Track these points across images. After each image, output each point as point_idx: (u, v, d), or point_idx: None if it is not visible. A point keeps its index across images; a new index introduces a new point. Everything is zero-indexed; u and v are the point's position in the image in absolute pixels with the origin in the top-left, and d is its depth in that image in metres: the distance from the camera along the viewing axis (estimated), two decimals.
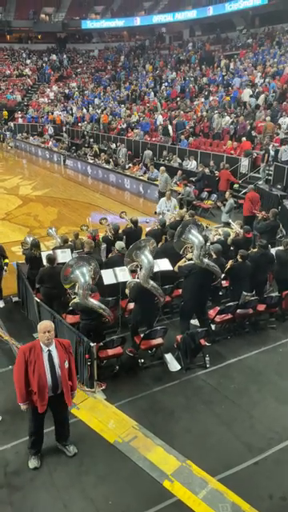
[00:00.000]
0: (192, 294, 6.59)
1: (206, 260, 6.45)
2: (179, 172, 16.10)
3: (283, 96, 18.31)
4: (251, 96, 19.28)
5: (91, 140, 24.87)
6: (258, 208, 11.42)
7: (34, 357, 4.34)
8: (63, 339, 4.99)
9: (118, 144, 22.44)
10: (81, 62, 39.34)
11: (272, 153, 14.31)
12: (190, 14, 31.92)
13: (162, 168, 14.56)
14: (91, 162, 21.48)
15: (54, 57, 39.31)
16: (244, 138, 16.18)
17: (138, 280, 6.42)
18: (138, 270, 6.50)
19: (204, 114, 19.99)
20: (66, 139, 26.48)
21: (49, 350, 4.41)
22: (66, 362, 4.50)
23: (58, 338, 6.14)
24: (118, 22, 37.18)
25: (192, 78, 25.40)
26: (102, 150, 22.76)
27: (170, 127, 19.78)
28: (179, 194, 14.21)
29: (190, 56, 29.24)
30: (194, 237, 6.48)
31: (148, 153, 19.49)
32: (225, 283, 7.78)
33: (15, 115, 32.93)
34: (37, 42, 40.97)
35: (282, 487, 4.42)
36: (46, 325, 4.43)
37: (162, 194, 13.74)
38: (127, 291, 6.73)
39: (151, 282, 6.29)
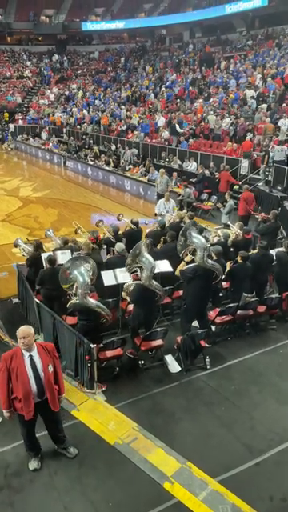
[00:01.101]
0: (194, 296, 6.58)
1: (210, 261, 6.46)
2: (174, 174, 16.07)
3: (283, 98, 18.35)
4: (252, 97, 19.31)
5: (91, 141, 24.87)
6: (252, 208, 11.47)
7: (16, 363, 4.28)
8: (47, 343, 4.93)
9: (118, 145, 22.47)
10: (81, 63, 39.41)
11: (272, 154, 14.32)
12: (190, 16, 32.00)
13: (162, 170, 14.52)
14: (91, 163, 21.49)
15: (55, 57, 39.34)
16: (248, 138, 16.19)
17: (138, 282, 6.43)
18: (139, 271, 6.51)
19: (205, 115, 20.00)
20: (72, 142, 25.82)
21: (30, 356, 4.35)
22: (50, 366, 4.42)
23: (58, 339, 6.21)
24: (119, 24, 37.22)
25: (194, 79, 25.43)
26: (102, 151, 22.79)
27: (177, 126, 19.77)
28: (179, 195, 14.22)
29: (189, 59, 29.29)
30: (196, 239, 6.48)
31: (133, 151, 20.57)
32: (225, 285, 7.78)
33: (15, 117, 33.00)
34: (37, 44, 41.04)
35: (283, 488, 4.41)
36: (22, 331, 4.35)
37: (161, 196, 13.72)
38: (124, 294, 6.71)
39: (154, 282, 6.30)
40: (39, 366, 4.37)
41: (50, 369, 4.43)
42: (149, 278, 6.22)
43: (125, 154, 20.80)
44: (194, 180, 15.30)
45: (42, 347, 4.47)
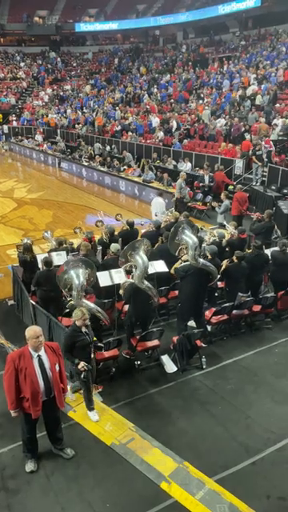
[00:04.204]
0: (189, 295, 6.60)
1: (201, 260, 6.47)
2: (165, 175, 16.04)
3: (276, 97, 18.45)
4: (246, 97, 19.39)
5: (83, 142, 24.76)
6: (245, 208, 11.51)
7: (25, 364, 4.30)
8: (51, 342, 4.98)
9: (112, 146, 22.46)
10: (75, 64, 39.40)
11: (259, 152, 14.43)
12: (184, 17, 32.10)
13: (183, 174, 14.23)
14: (86, 164, 21.47)
15: (52, 54, 39.25)
16: (248, 137, 16.21)
17: (131, 281, 6.43)
18: (134, 269, 6.51)
19: (200, 115, 20.06)
20: (91, 149, 23.45)
21: (39, 355, 4.38)
22: (57, 365, 4.48)
23: (54, 341, 6.20)
24: (112, 25, 37.30)
25: (189, 79, 25.51)
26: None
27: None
28: (174, 195, 14.22)
29: (183, 59, 29.36)
30: (188, 237, 6.49)
31: (97, 145, 22.26)
32: (220, 284, 7.80)
33: (9, 118, 32.92)
34: (31, 45, 40.96)
35: (280, 487, 4.43)
36: (35, 330, 4.38)
37: (178, 200, 13.54)
38: (121, 291, 6.72)
39: (146, 283, 6.29)
40: (47, 365, 4.41)
41: (57, 368, 4.48)
42: (141, 278, 6.22)
43: (127, 156, 20.69)
44: (205, 184, 14.56)
45: (48, 347, 4.51)
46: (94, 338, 5.30)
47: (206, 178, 14.66)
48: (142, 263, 6.28)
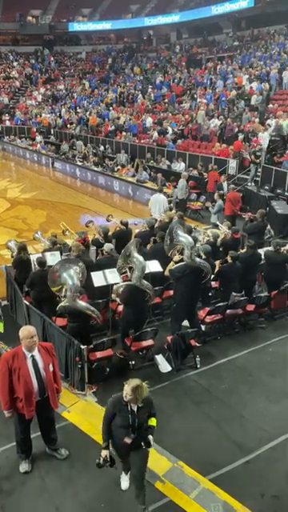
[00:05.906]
0: (184, 294, 6.62)
1: (197, 259, 6.48)
2: (159, 175, 16.03)
3: (269, 98, 18.54)
4: (240, 98, 19.45)
5: (75, 141, 24.72)
6: (238, 208, 11.57)
7: (18, 364, 4.29)
8: (45, 342, 4.96)
9: (106, 146, 22.44)
10: (68, 64, 39.30)
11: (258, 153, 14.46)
12: (177, 17, 32.17)
13: (185, 174, 14.15)
14: (80, 164, 21.41)
15: (46, 51, 39.09)
16: (241, 137, 16.27)
17: (129, 282, 6.43)
18: (129, 272, 6.51)
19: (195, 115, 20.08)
20: (99, 151, 22.39)
21: (32, 356, 4.37)
22: (51, 365, 4.47)
23: (48, 341, 6.18)
24: (105, 25, 37.27)
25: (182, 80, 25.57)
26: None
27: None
28: (168, 195, 14.23)
29: (177, 60, 29.41)
30: (183, 237, 6.51)
31: (79, 143, 23.31)
32: (214, 284, 7.82)
33: (2, 118, 32.72)
34: (24, 45, 40.76)
35: (274, 485, 4.46)
36: (29, 330, 4.37)
37: (181, 201, 13.49)
38: (114, 296, 6.69)
39: (145, 282, 6.31)
40: (41, 365, 4.39)
41: (51, 368, 4.46)
42: (139, 278, 6.23)
43: (122, 156, 20.63)
44: (224, 192, 12.88)
45: (42, 347, 4.49)
46: (153, 423, 4.09)
47: (225, 186, 13.17)
48: (140, 263, 6.29)
